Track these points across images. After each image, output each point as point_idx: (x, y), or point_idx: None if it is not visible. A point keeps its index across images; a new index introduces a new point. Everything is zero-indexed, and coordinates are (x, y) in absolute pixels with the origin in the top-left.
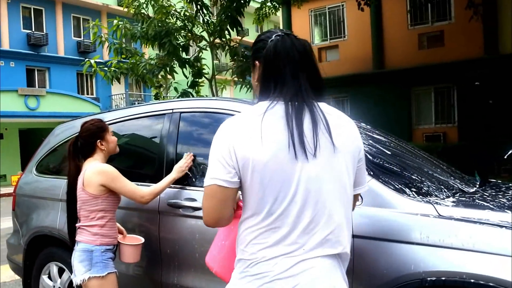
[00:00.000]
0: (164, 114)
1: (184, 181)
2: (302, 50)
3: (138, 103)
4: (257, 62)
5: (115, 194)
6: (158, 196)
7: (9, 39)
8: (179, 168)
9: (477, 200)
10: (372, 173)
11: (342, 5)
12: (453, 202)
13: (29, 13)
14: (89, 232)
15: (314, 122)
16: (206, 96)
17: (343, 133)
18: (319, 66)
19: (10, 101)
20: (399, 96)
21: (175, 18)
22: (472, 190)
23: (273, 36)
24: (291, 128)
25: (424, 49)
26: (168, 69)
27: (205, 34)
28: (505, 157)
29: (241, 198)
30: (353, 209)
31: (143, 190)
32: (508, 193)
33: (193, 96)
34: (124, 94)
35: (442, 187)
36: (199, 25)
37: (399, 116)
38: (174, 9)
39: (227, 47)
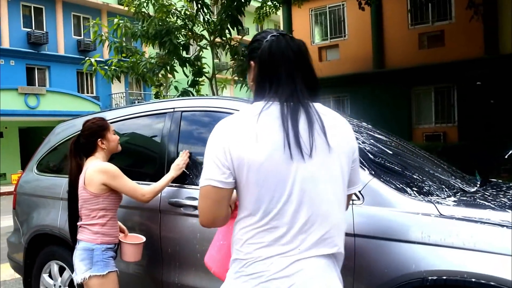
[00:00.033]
0: (165, 113)
1: (185, 180)
2: (297, 50)
3: (138, 102)
4: (252, 62)
5: (116, 193)
6: (159, 195)
7: (9, 38)
8: (177, 166)
9: (478, 200)
10: (373, 172)
11: (343, 5)
12: (454, 201)
13: (29, 12)
14: (90, 230)
15: (309, 122)
16: (207, 95)
17: (338, 134)
18: (315, 67)
19: (10, 100)
20: (399, 96)
21: (175, 17)
22: (473, 190)
23: (268, 36)
24: (287, 128)
25: (425, 49)
26: (168, 68)
27: (205, 33)
28: (506, 156)
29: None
30: (346, 208)
31: (144, 189)
32: (509, 192)
33: (193, 95)
34: (124, 93)
35: (443, 186)
36: (199, 24)
37: (399, 116)
38: (174, 8)
39: (227, 46)
